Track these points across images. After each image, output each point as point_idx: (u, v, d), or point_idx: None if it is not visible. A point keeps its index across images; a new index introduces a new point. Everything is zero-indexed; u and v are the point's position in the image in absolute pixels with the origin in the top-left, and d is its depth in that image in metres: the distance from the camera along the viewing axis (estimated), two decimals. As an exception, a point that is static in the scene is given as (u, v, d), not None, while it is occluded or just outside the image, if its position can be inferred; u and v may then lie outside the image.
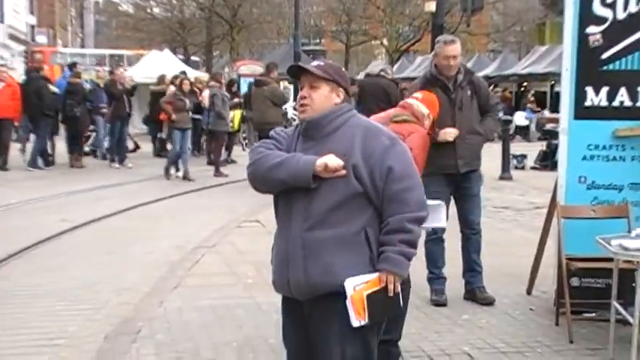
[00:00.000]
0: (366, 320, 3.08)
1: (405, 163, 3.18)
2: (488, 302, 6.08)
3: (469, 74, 6.12)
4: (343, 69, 3.41)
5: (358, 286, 3.07)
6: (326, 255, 3.09)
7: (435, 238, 6.01)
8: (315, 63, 3.31)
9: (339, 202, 3.09)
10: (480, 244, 6.22)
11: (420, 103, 5.24)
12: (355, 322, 3.07)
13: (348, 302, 3.06)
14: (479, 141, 6.06)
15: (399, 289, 3.15)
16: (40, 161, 15.59)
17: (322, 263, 3.09)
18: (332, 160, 3.07)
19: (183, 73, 18.06)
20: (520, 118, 26.17)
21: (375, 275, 3.11)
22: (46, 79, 16.48)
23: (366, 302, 3.07)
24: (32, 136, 16.24)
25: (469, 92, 6.01)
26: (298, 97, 3.27)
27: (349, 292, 3.06)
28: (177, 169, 14.42)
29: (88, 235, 9.24)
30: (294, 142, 3.24)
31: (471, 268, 6.20)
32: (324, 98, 3.21)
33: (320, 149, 3.12)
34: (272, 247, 3.35)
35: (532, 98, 28.27)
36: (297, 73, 3.29)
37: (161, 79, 18.83)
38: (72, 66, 18.00)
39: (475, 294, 6.15)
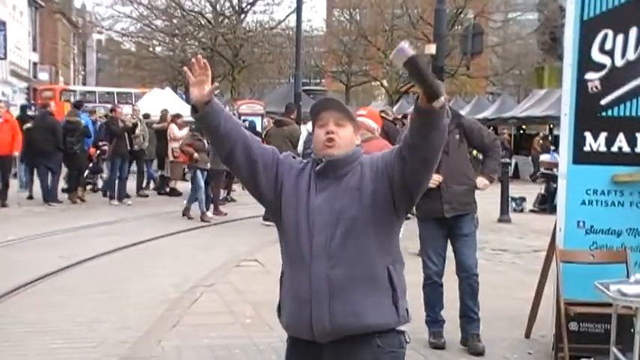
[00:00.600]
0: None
1: None
2: (476, 352, 5.94)
3: (457, 117, 6.04)
4: None
5: None
6: (353, 295, 2.96)
7: (432, 283, 6.04)
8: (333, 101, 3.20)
9: (365, 236, 2.98)
10: (475, 288, 6.08)
11: (366, 119, 5.38)
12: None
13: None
14: (467, 186, 6.01)
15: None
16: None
17: (349, 303, 2.96)
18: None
19: (178, 115, 18.18)
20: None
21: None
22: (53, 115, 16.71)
23: None
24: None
25: (457, 136, 5.94)
26: (306, 136, 3.25)
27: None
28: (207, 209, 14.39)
29: (85, 272, 9.22)
30: (305, 179, 3.10)
31: (465, 314, 6.10)
32: (350, 137, 3.10)
33: (336, 188, 3.02)
34: (281, 287, 3.18)
35: (541, 141, 27.91)
36: (319, 110, 3.13)
37: (163, 116, 18.92)
38: (78, 104, 18.23)
39: (467, 341, 6.06)
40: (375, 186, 3.00)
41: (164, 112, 19.05)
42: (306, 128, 13.18)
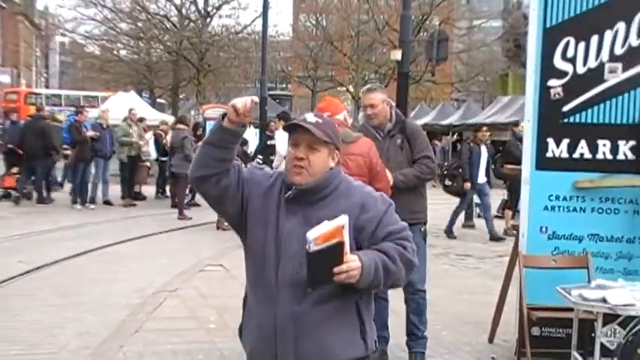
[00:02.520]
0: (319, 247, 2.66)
1: (397, 221, 2.96)
2: None
3: (400, 123, 5.74)
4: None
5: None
6: (321, 333, 2.84)
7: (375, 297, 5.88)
8: (312, 119, 2.93)
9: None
10: (422, 305, 5.72)
11: (336, 117, 5.33)
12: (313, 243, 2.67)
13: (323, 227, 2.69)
14: (409, 196, 5.52)
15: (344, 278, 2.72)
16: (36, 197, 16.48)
17: (317, 342, 2.84)
18: (239, 101, 2.86)
19: (141, 119, 18.10)
20: None
21: (343, 219, 2.73)
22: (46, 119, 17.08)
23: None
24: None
25: (399, 141, 5.66)
26: (284, 154, 3.08)
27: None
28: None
29: (45, 278, 9.08)
30: (274, 197, 2.94)
31: (410, 332, 5.75)
32: (322, 162, 2.91)
33: (307, 216, 2.85)
34: (244, 308, 3.06)
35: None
36: (295, 131, 2.93)
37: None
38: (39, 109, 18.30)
39: None
40: (359, 227, 2.87)
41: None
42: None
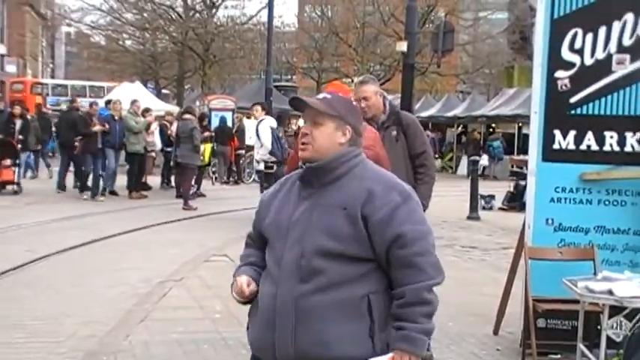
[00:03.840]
0: None
1: (417, 222, 2.76)
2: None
3: (395, 115, 5.68)
4: (355, 104, 3.03)
5: None
6: (321, 322, 2.69)
7: None
8: (321, 96, 2.93)
9: (345, 259, 2.71)
10: None
11: None
12: None
13: None
14: None
15: None
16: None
17: (315, 331, 2.69)
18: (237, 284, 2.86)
19: (147, 110, 18.04)
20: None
21: (389, 356, 2.67)
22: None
23: None
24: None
25: (394, 133, 5.61)
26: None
27: None
28: None
29: (52, 266, 9.11)
30: (289, 191, 2.91)
31: None
32: (327, 137, 2.82)
33: (318, 199, 2.78)
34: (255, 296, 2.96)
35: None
36: (299, 107, 2.94)
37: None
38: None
39: None
40: (363, 216, 2.73)
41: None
42: (268, 124, 13.10)
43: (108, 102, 18.38)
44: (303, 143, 2.85)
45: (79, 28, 44.11)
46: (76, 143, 16.43)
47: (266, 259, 2.88)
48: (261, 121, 13.13)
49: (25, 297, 7.45)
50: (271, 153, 12.71)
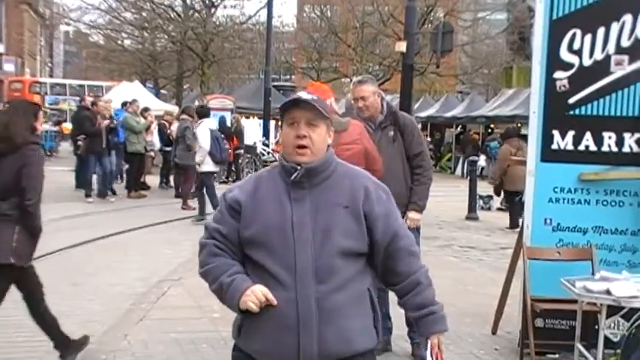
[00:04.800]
0: None
1: (403, 223, 3.03)
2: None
3: (392, 115, 5.69)
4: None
5: None
6: (343, 319, 2.77)
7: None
8: (308, 96, 2.87)
9: (353, 256, 2.82)
10: None
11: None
12: None
13: None
14: (400, 188, 5.37)
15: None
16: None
17: (339, 329, 2.75)
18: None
19: (146, 109, 17.99)
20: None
21: (430, 344, 2.88)
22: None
23: None
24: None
25: (391, 134, 5.62)
26: (280, 134, 3.02)
27: None
28: None
29: (50, 266, 9.07)
30: (271, 189, 2.84)
31: (411, 322, 5.44)
32: (322, 138, 2.85)
33: (315, 200, 2.80)
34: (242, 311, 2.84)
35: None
36: (288, 107, 2.85)
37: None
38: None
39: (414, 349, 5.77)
40: (364, 213, 2.84)
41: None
42: (207, 127, 13.36)
43: (124, 103, 18.18)
44: (301, 147, 2.81)
45: (77, 27, 44.09)
46: (80, 142, 16.34)
47: (264, 265, 2.79)
48: (199, 124, 13.49)
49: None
50: (210, 154, 13.03)
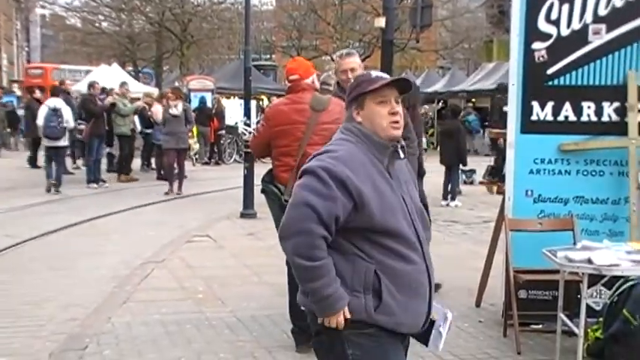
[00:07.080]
0: None
1: None
2: None
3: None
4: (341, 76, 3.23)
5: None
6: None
7: None
8: (384, 74, 3.02)
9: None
10: None
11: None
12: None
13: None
14: None
15: None
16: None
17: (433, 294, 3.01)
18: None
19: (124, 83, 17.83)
20: None
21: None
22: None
23: None
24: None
25: None
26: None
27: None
28: None
29: (32, 250, 9.05)
30: (377, 168, 2.84)
31: None
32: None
33: (399, 174, 2.94)
34: (380, 284, 2.78)
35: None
36: (380, 85, 2.87)
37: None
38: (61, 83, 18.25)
39: None
40: None
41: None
42: (46, 104, 13.66)
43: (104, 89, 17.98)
44: (397, 122, 2.89)
45: (53, 10, 43.62)
46: (82, 126, 16.09)
47: (393, 248, 2.81)
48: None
49: (6, 282, 7.40)
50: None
